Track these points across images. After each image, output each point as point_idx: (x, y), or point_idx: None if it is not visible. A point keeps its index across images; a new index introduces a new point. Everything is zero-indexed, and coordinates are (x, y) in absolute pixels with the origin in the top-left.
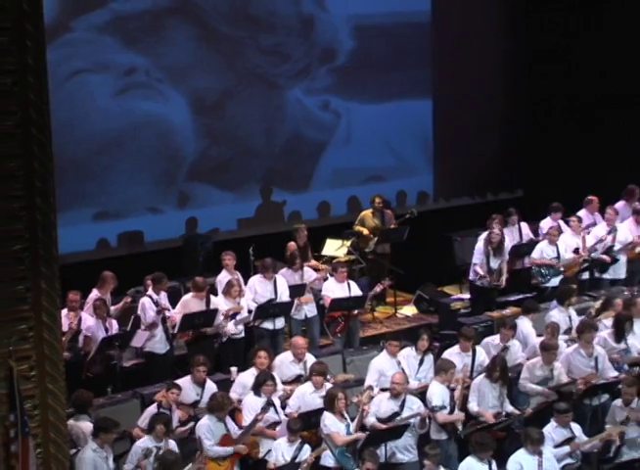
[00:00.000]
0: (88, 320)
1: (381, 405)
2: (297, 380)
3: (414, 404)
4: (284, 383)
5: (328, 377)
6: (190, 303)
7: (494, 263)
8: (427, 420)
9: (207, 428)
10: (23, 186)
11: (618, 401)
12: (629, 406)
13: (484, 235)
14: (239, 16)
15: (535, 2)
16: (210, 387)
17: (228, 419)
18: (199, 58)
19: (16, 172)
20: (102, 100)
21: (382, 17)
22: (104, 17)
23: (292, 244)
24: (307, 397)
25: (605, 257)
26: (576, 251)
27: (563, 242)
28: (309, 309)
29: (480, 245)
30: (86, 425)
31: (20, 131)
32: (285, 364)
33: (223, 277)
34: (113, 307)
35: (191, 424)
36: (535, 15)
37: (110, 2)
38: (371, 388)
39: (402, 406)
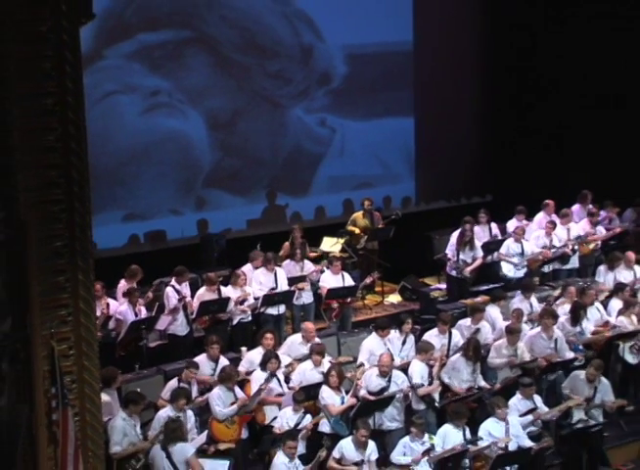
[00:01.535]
0: (120, 306)
1: (371, 380)
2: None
3: (399, 379)
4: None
5: (331, 359)
6: (204, 295)
7: (463, 256)
8: (409, 394)
9: (218, 396)
10: (63, 192)
11: (581, 375)
12: (593, 383)
13: (457, 232)
14: (248, 45)
15: (503, 33)
16: (223, 363)
17: (237, 389)
18: (214, 81)
19: (57, 180)
20: (130, 117)
21: (371, 46)
22: (132, 46)
23: (286, 244)
24: (308, 373)
25: (567, 249)
26: (545, 247)
27: (535, 238)
28: (306, 297)
29: (452, 240)
30: (102, 396)
31: (60, 145)
32: (295, 344)
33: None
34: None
35: (207, 394)
36: (503, 43)
37: (137, 33)
38: (362, 365)
39: (389, 381)
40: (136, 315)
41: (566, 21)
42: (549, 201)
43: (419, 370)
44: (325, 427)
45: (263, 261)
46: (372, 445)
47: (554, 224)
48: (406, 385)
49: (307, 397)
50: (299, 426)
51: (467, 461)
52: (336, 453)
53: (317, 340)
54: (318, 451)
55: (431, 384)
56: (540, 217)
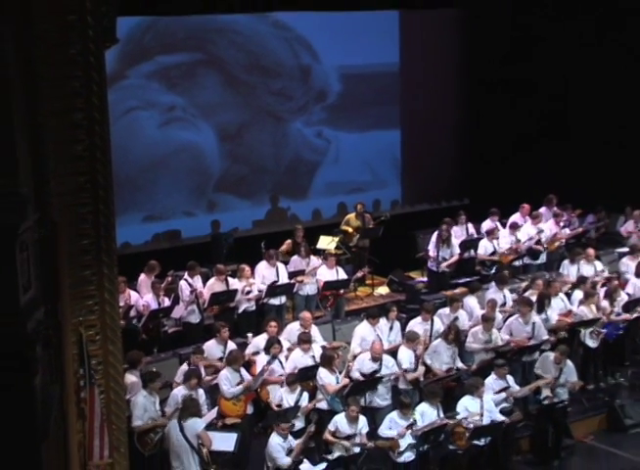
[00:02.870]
0: (145, 296)
1: (364, 364)
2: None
3: (389, 363)
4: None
5: (325, 344)
6: (214, 285)
7: (442, 252)
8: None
9: (226, 377)
10: (90, 195)
11: (550, 356)
12: (559, 365)
13: (437, 232)
14: (253, 66)
15: (478, 54)
16: (231, 346)
17: (243, 370)
18: (223, 98)
19: (84, 185)
20: (149, 130)
21: (362, 67)
22: (151, 67)
23: (288, 242)
24: (300, 359)
25: (538, 246)
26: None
27: (503, 237)
28: (310, 289)
29: (433, 239)
30: (128, 377)
31: (87, 154)
32: (293, 331)
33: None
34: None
35: (216, 376)
36: (478, 63)
37: (155, 56)
38: (347, 347)
39: (380, 365)
40: (159, 305)
41: (537, 42)
42: (525, 204)
43: (407, 356)
44: (323, 404)
45: (266, 257)
46: (363, 419)
47: (515, 227)
48: (397, 368)
49: (304, 377)
50: (299, 403)
51: (442, 435)
52: (331, 427)
53: (314, 327)
54: (307, 427)
55: (416, 368)
56: (516, 218)
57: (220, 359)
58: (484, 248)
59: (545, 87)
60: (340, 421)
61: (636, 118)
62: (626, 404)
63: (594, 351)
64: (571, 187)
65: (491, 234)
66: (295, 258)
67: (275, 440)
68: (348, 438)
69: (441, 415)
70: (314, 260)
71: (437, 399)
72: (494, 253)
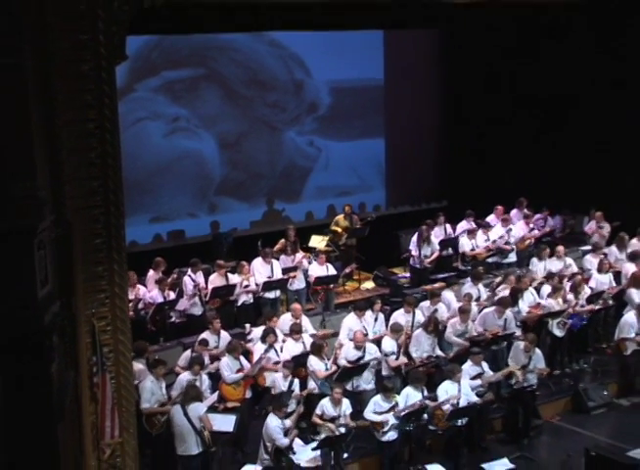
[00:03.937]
0: (151, 291)
1: (349, 351)
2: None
3: (372, 350)
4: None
5: (315, 332)
6: (215, 280)
7: (423, 251)
8: (381, 362)
9: (227, 364)
10: (102, 198)
11: (520, 345)
12: (529, 352)
13: (417, 232)
14: (251, 81)
15: (456, 69)
16: (224, 336)
17: (242, 358)
18: (223, 110)
19: (97, 189)
20: (156, 139)
21: (350, 81)
22: (157, 81)
23: (282, 241)
24: (293, 348)
25: (507, 246)
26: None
27: (478, 236)
28: (299, 284)
29: (414, 239)
30: (135, 365)
31: (99, 161)
32: (286, 322)
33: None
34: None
35: (217, 363)
36: (457, 78)
37: (161, 71)
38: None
39: (364, 352)
40: (165, 298)
41: (514, 58)
42: (499, 206)
43: (390, 346)
44: (314, 388)
45: (262, 255)
46: (346, 402)
47: (487, 227)
48: (379, 354)
49: (298, 364)
50: (291, 388)
51: (425, 416)
52: (318, 410)
53: (305, 317)
54: (296, 408)
55: (399, 354)
56: (491, 218)
57: (215, 348)
58: (465, 246)
59: (519, 100)
60: (325, 404)
61: (605, 128)
62: (589, 388)
63: (560, 339)
64: (541, 190)
65: (472, 233)
66: (283, 256)
67: (273, 422)
68: (333, 419)
69: (426, 395)
70: (298, 257)
71: (422, 384)
72: (473, 250)
